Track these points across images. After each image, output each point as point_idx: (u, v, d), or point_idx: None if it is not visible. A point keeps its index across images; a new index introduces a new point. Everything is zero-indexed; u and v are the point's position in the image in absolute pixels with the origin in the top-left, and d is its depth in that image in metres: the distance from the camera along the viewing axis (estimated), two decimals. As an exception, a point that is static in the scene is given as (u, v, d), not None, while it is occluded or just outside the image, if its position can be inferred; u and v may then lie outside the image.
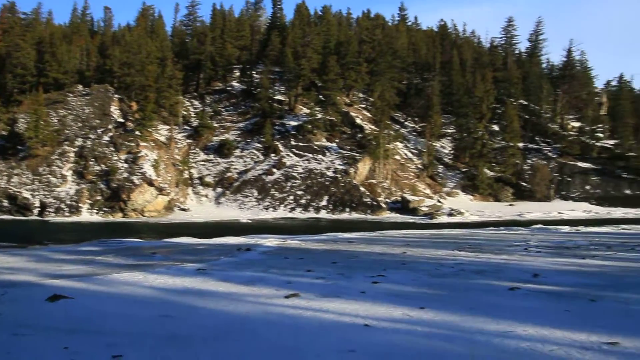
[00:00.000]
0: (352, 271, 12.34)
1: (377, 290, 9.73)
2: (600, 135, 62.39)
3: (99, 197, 46.96)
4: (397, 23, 77.62)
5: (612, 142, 61.44)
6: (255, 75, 64.80)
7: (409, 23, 79.96)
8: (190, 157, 55.21)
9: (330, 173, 51.25)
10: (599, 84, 77.57)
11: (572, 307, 8.26)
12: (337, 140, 55.64)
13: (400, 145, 56.94)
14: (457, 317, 7.55)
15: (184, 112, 59.68)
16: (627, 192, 54.44)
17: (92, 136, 51.32)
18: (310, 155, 53.87)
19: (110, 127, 52.45)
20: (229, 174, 53.12)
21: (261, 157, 54.45)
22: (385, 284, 10.40)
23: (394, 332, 6.82)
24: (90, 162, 49.00)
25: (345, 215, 45.64)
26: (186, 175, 52.55)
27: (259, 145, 55.56)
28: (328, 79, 58.07)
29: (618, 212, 47.80)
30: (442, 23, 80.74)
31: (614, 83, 78.01)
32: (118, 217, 45.14)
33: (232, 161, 54.81)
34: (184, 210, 48.14)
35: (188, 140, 56.75)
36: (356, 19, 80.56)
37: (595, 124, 63.82)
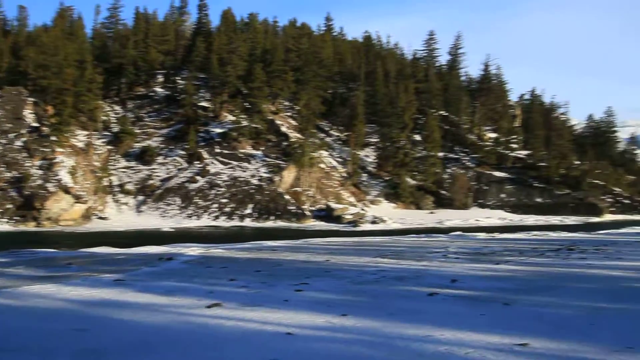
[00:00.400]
0: (275, 279, 12.31)
1: (301, 298, 9.75)
2: (515, 146, 65.39)
3: (9, 206, 44.47)
4: (323, 33, 78.37)
5: (525, 152, 64.54)
6: (179, 81, 63.50)
7: (335, 33, 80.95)
8: (110, 164, 53.33)
9: (255, 181, 50.93)
10: (513, 97, 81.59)
11: (487, 311, 8.59)
12: (262, 148, 55.40)
13: (325, 153, 57.44)
14: (378, 323, 7.68)
15: (104, 118, 57.63)
16: (539, 200, 57.30)
17: (3, 141, 48.64)
18: (235, 163, 53.33)
19: (23, 131, 49.85)
20: (151, 182, 51.74)
21: (185, 165, 53.38)
22: (309, 292, 10.44)
23: (317, 339, 6.86)
24: (1, 169, 46.41)
25: (270, 224, 45.45)
26: (105, 183, 50.67)
27: (182, 152, 54.43)
28: (254, 87, 57.79)
29: (530, 219, 50.20)
30: (367, 34, 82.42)
31: (526, 97, 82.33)
32: (31, 227, 42.88)
33: (155, 168, 53.43)
34: (102, 219, 46.40)
35: (108, 147, 54.81)
36: (282, 28, 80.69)
37: (509, 135, 66.84)
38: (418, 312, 8.51)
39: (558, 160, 60.61)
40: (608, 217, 54.58)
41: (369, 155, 61.05)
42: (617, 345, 6.44)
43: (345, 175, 55.89)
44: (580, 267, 14.10)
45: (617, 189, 62.13)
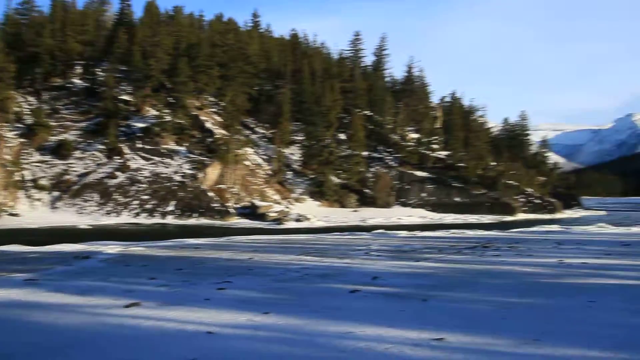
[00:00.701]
0: (197, 278, 12.13)
1: (223, 297, 9.66)
2: (436, 146, 67.38)
3: None
4: (250, 29, 77.76)
5: (445, 153, 66.68)
6: (99, 72, 61.15)
7: (262, 30, 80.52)
8: (23, 157, 50.69)
9: (178, 177, 49.86)
10: (435, 99, 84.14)
11: (406, 307, 8.82)
12: (186, 144, 54.29)
13: (250, 151, 57.03)
14: (300, 320, 7.72)
15: (17, 109, 54.68)
16: (457, 199, 59.37)
17: None
18: (158, 158, 51.99)
19: None
20: (67, 177, 49.57)
21: (104, 160, 51.48)
22: (231, 290, 10.35)
23: (238, 338, 6.81)
24: None
25: (193, 221, 44.64)
26: (17, 178, 48.13)
27: (102, 146, 52.47)
28: (178, 81, 56.51)
29: (449, 218, 51.94)
30: (294, 32, 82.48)
31: (447, 99, 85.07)
32: None
33: (72, 163, 51.21)
34: (14, 215, 44.03)
35: (20, 140, 52.07)
36: (208, 23, 79.32)
37: (431, 136, 68.81)
38: (340, 309, 8.61)
39: (476, 161, 63.00)
40: (521, 216, 57.30)
41: (294, 153, 61.17)
42: (526, 337, 6.78)
43: (270, 172, 55.76)
44: (494, 264, 14.72)
45: (529, 190, 65.36)
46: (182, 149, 53.67)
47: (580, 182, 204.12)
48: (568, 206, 73.38)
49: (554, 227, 36.39)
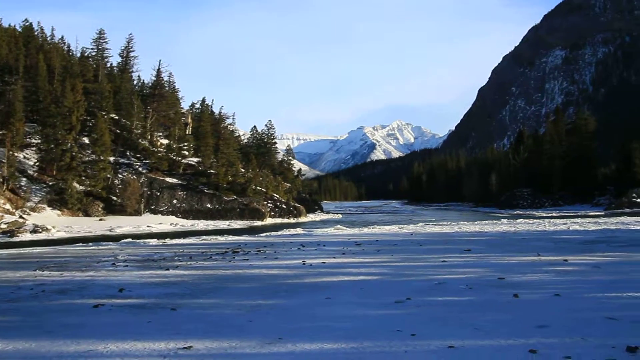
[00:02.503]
0: None
1: None
2: (186, 153, 67.02)
3: None
4: (-27, 16, 68.30)
5: (195, 159, 66.72)
6: None
7: (-12, 18, 71.49)
8: None
9: None
10: (185, 105, 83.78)
11: (154, 318, 8.58)
12: None
13: (-26, 154, 49.94)
14: (32, 343, 6.99)
15: None
16: (209, 205, 59.80)
17: None
18: None
19: None
20: None
21: None
22: (-54, 317, 8.92)
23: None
24: None
25: None
26: None
27: None
28: None
29: (201, 225, 51.99)
30: (28, 24, 74.40)
31: (197, 106, 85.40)
32: None
33: None
34: None
35: None
36: None
37: (181, 142, 68.25)
38: (81, 327, 8.01)
39: (226, 168, 64.28)
40: (269, 221, 60.08)
41: (29, 158, 55.32)
42: (270, 337, 7.12)
43: (0, 179, 49.54)
44: (242, 268, 15.16)
45: (276, 195, 68.91)
46: None
47: (322, 187, 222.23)
48: (311, 210, 79.31)
49: (299, 231, 38.90)
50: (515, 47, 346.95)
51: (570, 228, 33.88)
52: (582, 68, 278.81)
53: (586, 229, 32.52)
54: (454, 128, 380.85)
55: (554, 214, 66.05)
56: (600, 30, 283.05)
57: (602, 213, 66.43)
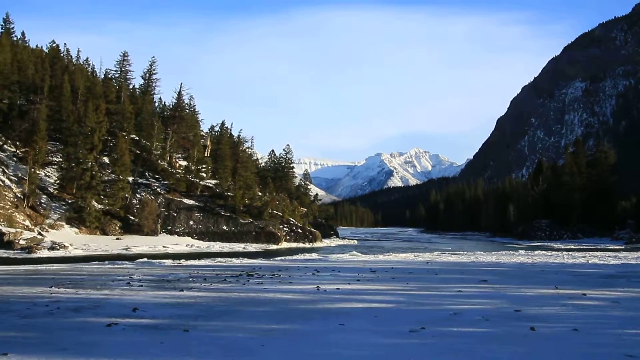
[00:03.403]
0: None
1: (-50, 339, 8.34)
2: (204, 175, 67.53)
3: None
4: (0, 35, 69.74)
5: (213, 181, 67.18)
6: None
7: (15, 38, 72.80)
8: None
9: None
10: (204, 127, 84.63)
11: (166, 339, 8.57)
12: None
13: (-4, 170, 50.77)
14: (46, 360, 7.01)
15: None
16: (224, 228, 60.00)
17: None
18: None
19: None
20: None
21: None
22: (-38, 331, 8.99)
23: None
24: None
25: None
26: None
27: None
28: None
29: (216, 246, 52.13)
30: (54, 45, 76.00)
31: (216, 128, 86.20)
32: None
33: None
34: None
35: None
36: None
37: (199, 164, 68.81)
38: (94, 345, 8.03)
39: (243, 191, 64.55)
40: (284, 245, 60.03)
41: (50, 175, 56.11)
42: (283, 362, 7.05)
43: (21, 195, 50.24)
44: (257, 292, 15.10)
45: (292, 220, 68.93)
46: None
47: (338, 213, 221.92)
48: (327, 235, 79.12)
49: (314, 256, 38.79)
50: (535, 78, 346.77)
51: (590, 261, 33.34)
52: (602, 100, 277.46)
53: (606, 262, 32.00)
54: (472, 157, 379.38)
55: (572, 247, 65.13)
56: (621, 63, 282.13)
57: (622, 247, 65.32)
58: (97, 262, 28.86)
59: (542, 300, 14.00)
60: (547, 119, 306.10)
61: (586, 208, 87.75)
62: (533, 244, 74.64)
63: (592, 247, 62.66)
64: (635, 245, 67.41)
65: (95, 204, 53.65)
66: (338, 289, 15.98)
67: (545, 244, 74.69)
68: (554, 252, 47.74)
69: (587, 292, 15.53)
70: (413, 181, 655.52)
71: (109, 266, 25.64)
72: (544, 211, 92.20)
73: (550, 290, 16.30)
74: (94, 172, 54.83)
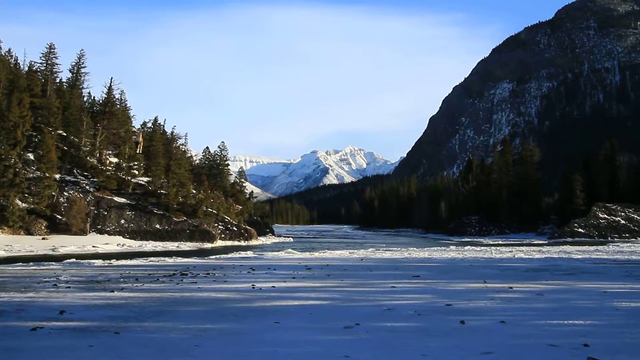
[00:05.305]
0: None
1: None
2: (136, 172, 65.68)
3: None
4: None
5: (145, 179, 65.44)
6: None
7: None
8: None
9: None
10: (136, 123, 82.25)
11: (96, 342, 8.30)
12: None
13: None
14: (-36, 368, 6.64)
15: None
16: (158, 226, 58.59)
17: None
18: None
19: None
20: None
21: None
22: None
23: None
24: None
25: None
26: None
27: None
28: None
29: (149, 246, 50.80)
30: (-26, 35, 72.33)
31: (149, 124, 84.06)
32: None
33: None
34: None
35: None
36: None
37: (131, 161, 66.87)
38: (17, 351, 7.66)
39: (176, 188, 63.28)
40: (219, 243, 59.29)
41: (-31, 173, 53.08)
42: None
43: (-63, 194, 47.36)
44: (190, 291, 14.87)
45: (228, 218, 68.21)
46: None
47: (274, 210, 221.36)
48: (262, 233, 78.79)
49: (249, 254, 38.54)
50: (465, 79, 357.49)
51: (516, 256, 34.74)
52: (527, 101, 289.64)
53: (531, 257, 33.45)
54: (405, 155, 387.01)
55: (500, 242, 67.64)
56: (545, 65, 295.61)
57: (546, 242, 68.42)
58: (21, 264, 27.53)
59: (472, 294, 14.48)
60: (476, 118, 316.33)
61: (513, 204, 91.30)
62: (463, 239, 77.03)
63: (519, 242, 65.29)
64: (557, 240, 70.76)
65: (19, 202, 51.25)
66: (274, 287, 15.96)
67: (475, 239, 77.22)
68: (483, 248, 49.43)
69: (513, 286, 16.18)
70: (348, 179, 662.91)
71: (34, 267, 24.54)
72: (474, 208, 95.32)
73: (479, 284, 16.87)
74: (17, 169, 52.29)
